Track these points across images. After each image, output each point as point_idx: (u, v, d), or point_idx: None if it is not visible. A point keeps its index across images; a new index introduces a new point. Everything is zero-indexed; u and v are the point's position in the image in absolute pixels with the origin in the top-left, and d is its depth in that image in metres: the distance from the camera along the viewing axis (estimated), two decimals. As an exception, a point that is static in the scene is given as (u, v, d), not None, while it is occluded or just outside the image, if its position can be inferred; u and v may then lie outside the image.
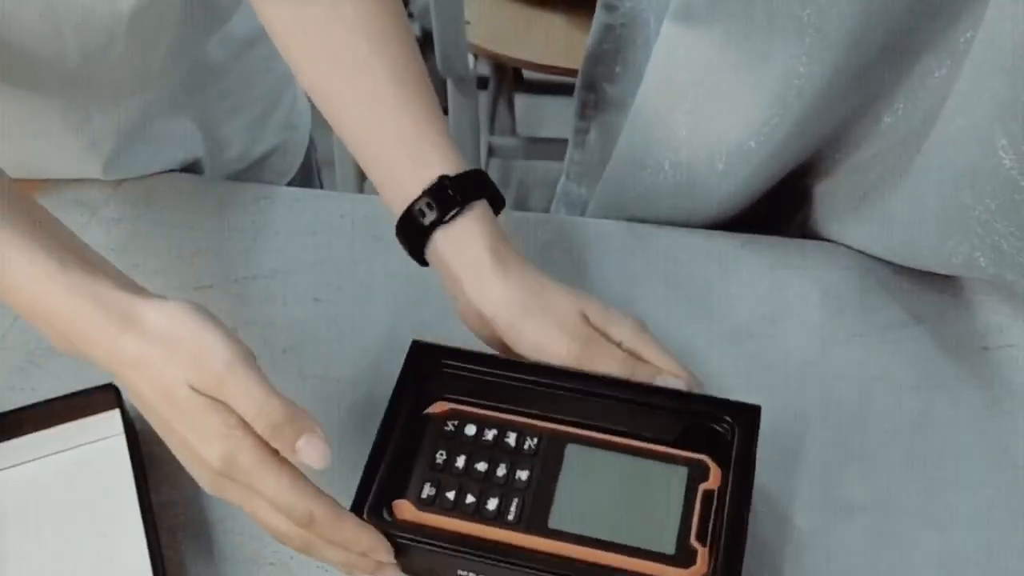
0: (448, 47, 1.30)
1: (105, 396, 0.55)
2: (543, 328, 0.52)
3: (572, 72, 0.79)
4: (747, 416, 0.51)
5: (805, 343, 0.63)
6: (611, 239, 0.71)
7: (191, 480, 0.54)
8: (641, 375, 0.52)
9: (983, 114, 0.49)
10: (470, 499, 0.49)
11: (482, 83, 1.88)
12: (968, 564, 0.52)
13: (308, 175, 0.89)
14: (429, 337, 0.63)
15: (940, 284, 0.65)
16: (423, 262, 0.57)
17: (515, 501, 0.48)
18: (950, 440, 0.57)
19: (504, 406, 0.52)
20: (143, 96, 0.69)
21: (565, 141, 0.83)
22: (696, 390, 0.52)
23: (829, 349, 0.63)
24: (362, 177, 1.88)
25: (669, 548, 0.46)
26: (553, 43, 1.56)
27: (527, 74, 2.08)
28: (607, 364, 0.52)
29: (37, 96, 0.65)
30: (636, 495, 0.49)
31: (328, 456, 0.45)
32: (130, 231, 0.70)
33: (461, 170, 0.54)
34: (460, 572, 0.48)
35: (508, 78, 1.85)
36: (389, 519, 0.48)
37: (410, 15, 1.82)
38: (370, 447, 0.53)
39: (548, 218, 0.74)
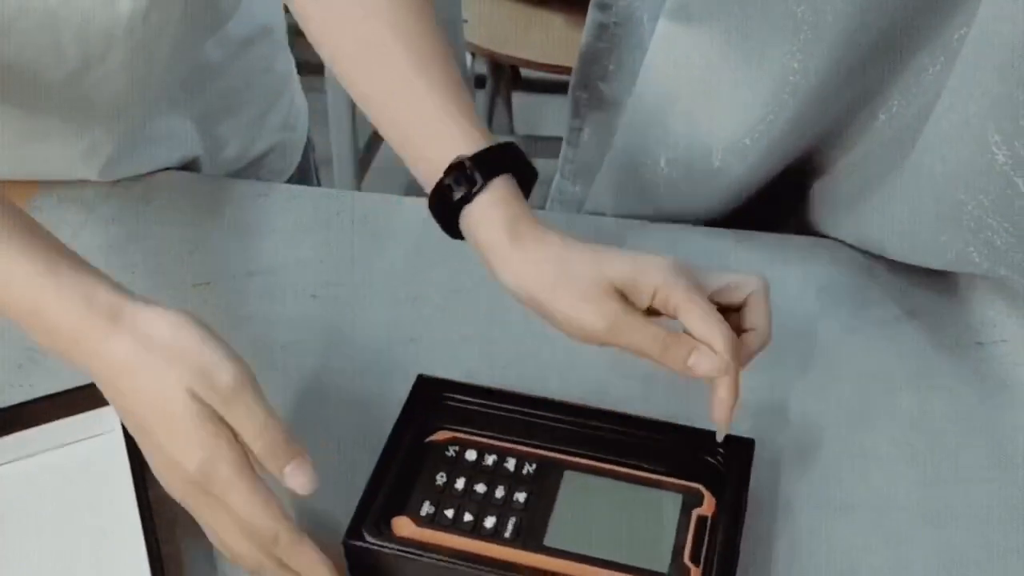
0: (445, 46, 1.29)
1: (97, 392, 0.55)
2: (565, 305, 0.51)
3: (569, 71, 0.80)
4: (741, 448, 0.52)
5: (801, 339, 0.63)
6: (606, 236, 0.71)
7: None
8: (674, 355, 0.49)
9: (976, 110, 0.49)
10: (468, 517, 0.50)
11: (480, 82, 1.89)
12: (967, 561, 0.52)
13: (306, 175, 0.89)
14: (424, 334, 0.64)
15: (935, 280, 0.66)
16: (457, 236, 0.56)
17: (512, 520, 0.49)
18: (946, 436, 0.58)
19: (504, 436, 0.53)
20: (143, 99, 0.69)
21: (562, 140, 0.83)
22: (727, 374, 0.50)
23: (825, 345, 0.63)
24: (360, 176, 1.89)
25: (663, 567, 0.47)
26: (551, 42, 1.57)
27: (525, 73, 2.09)
28: (639, 342, 0.50)
29: (37, 103, 0.65)
30: (631, 518, 0.50)
31: (314, 484, 0.47)
32: (127, 229, 0.70)
33: (482, 147, 0.53)
34: None
35: (506, 77, 1.85)
36: (387, 534, 0.49)
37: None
38: (365, 443, 0.53)
39: (543, 215, 0.74)
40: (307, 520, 0.53)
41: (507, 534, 0.49)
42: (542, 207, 0.90)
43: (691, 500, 0.50)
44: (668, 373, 0.56)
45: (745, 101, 0.63)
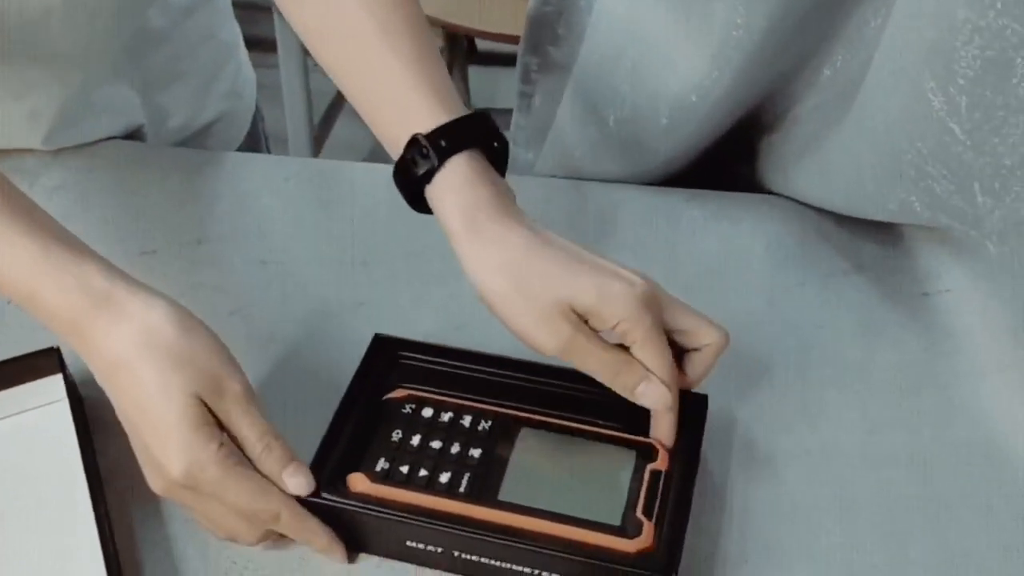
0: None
1: (47, 360, 0.54)
2: (517, 322, 0.49)
3: (525, 39, 0.79)
4: (695, 405, 0.52)
5: (750, 293, 0.64)
6: (558, 196, 0.71)
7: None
8: (623, 382, 0.49)
9: (912, 58, 0.49)
10: (423, 473, 0.49)
11: (435, 55, 1.88)
12: (909, 502, 0.53)
13: (255, 145, 0.89)
14: (375, 298, 0.63)
15: (880, 233, 0.67)
16: (423, 210, 0.55)
17: (467, 475, 0.49)
18: (891, 383, 0.59)
19: (460, 394, 0.53)
20: (84, 65, 0.68)
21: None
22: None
23: (773, 299, 0.63)
24: (315, 154, 1.87)
25: (615, 520, 0.47)
26: (506, 12, 1.56)
27: (481, 46, 2.08)
28: (590, 365, 0.49)
29: None
30: (585, 473, 0.50)
31: (312, 485, 0.48)
32: (71, 198, 0.69)
33: (443, 121, 0.51)
34: (408, 543, 0.49)
35: (461, 49, 1.84)
36: (343, 491, 0.49)
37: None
38: (317, 408, 0.53)
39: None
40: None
41: (462, 489, 0.49)
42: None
43: (645, 455, 0.50)
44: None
45: (690, 57, 0.63)
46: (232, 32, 0.82)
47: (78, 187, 0.70)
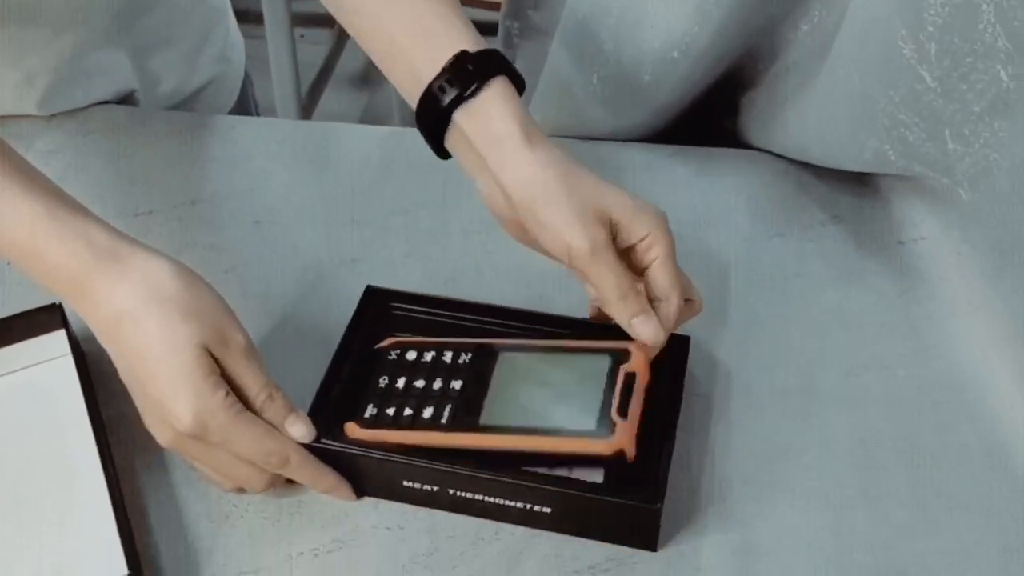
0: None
1: (50, 316, 0.56)
2: (557, 216, 0.50)
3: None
4: (677, 346, 0.54)
5: (730, 244, 0.66)
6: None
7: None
8: (626, 307, 0.49)
9: (883, 7, 0.51)
10: (407, 412, 0.51)
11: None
12: (883, 439, 0.55)
13: (245, 110, 0.90)
14: (366, 255, 0.65)
15: (857, 185, 0.68)
16: (443, 154, 0.55)
17: (448, 407, 0.51)
18: (865, 327, 0.61)
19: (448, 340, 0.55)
20: (77, 30, 0.69)
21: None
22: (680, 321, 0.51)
23: (752, 249, 0.65)
24: (306, 114, 1.87)
25: (590, 424, 0.48)
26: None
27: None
28: (606, 278, 0.49)
29: None
30: (562, 385, 0.51)
31: (313, 432, 0.50)
32: (66, 162, 0.70)
33: (480, 48, 0.52)
34: (404, 483, 0.51)
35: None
36: (339, 437, 0.51)
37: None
38: (312, 360, 0.55)
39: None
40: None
41: (444, 420, 0.50)
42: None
43: (619, 358, 0.51)
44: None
45: (671, 14, 0.64)
46: None
47: (73, 151, 0.71)
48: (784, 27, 0.65)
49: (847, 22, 0.56)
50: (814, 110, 0.62)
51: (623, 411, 0.49)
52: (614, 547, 0.50)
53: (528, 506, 0.49)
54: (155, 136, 0.73)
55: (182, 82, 0.80)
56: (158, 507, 0.52)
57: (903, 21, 0.50)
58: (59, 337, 0.56)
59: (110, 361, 0.50)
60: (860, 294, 0.63)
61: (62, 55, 0.69)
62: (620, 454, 0.48)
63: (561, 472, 0.50)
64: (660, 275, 0.51)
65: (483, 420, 0.50)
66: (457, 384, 0.52)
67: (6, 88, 0.69)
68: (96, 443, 0.52)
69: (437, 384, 0.52)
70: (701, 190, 0.69)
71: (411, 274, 0.64)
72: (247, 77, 0.89)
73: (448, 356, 0.53)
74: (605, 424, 0.48)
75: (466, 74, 0.51)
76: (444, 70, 0.51)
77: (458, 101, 0.51)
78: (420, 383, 0.52)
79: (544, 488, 0.49)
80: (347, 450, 0.50)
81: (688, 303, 0.52)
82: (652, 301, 0.51)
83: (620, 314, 0.50)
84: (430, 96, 0.52)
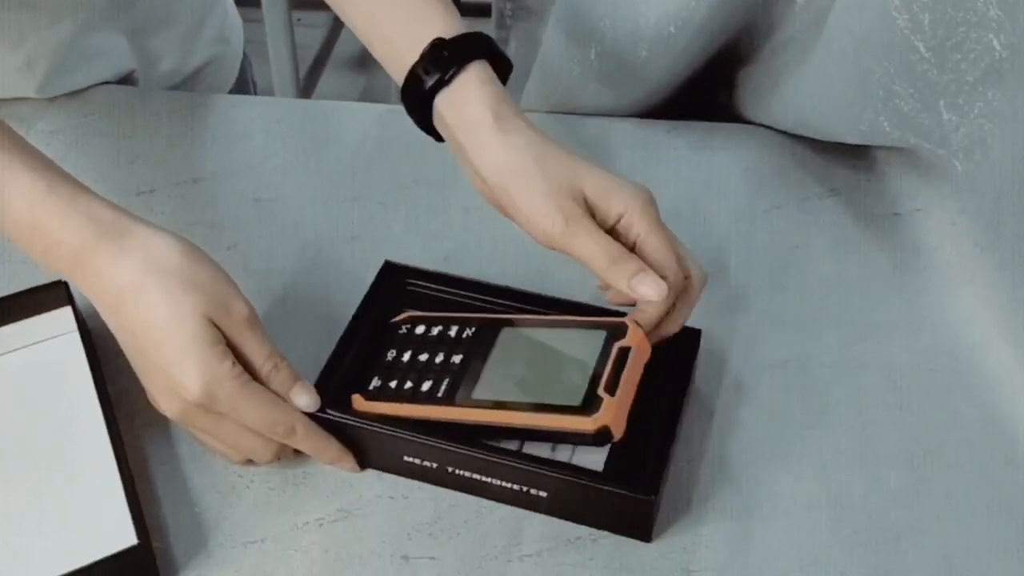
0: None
1: (56, 293, 0.56)
2: (530, 200, 0.50)
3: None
4: (687, 338, 0.54)
5: (727, 217, 0.66)
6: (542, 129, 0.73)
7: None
8: (620, 270, 0.49)
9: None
10: (408, 385, 0.52)
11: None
12: (878, 405, 0.56)
13: (244, 91, 0.90)
14: (366, 232, 0.66)
15: (853, 158, 0.69)
16: (436, 136, 0.56)
17: (446, 381, 0.51)
18: (862, 298, 0.61)
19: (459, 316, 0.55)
20: (76, 13, 0.69)
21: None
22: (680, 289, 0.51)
23: (751, 221, 0.66)
24: (304, 97, 1.87)
25: (576, 400, 0.48)
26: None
27: (464, -3, 2.07)
28: (590, 249, 0.49)
29: None
30: (556, 360, 0.51)
31: (318, 402, 0.50)
32: (67, 142, 0.70)
33: (458, 32, 0.53)
34: (406, 458, 0.52)
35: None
36: (345, 408, 0.51)
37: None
38: (314, 335, 0.56)
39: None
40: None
41: (440, 394, 0.50)
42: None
43: (614, 333, 0.50)
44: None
45: (667, -10, 0.65)
46: None
47: (74, 132, 0.71)
48: (780, 1, 0.66)
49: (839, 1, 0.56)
50: (810, 83, 0.63)
51: (611, 388, 0.48)
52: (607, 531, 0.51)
53: (525, 489, 0.50)
54: (155, 116, 0.73)
55: (180, 63, 0.80)
56: (165, 479, 0.53)
57: (897, -9, 0.50)
58: (65, 314, 0.57)
59: (115, 337, 0.51)
60: (856, 265, 0.63)
61: (61, 38, 0.69)
62: (604, 431, 0.47)
63: (566, 453, 0.51)
64: (646, 251, 0.50)
65: (476, 394, 0.50)
66: (457, 358, 0.52)
67: (7, 72, 0.70)
68: (103, 417, 0.52)
69: (439, 358, 0.52)
70: (699, 165, 0.70)
71: (411, 250, 0.64)
72: (246, 58, 0.89)
73: (453, 331, 0.53)
74: (590, 400, 0.47)
75: (442, 60, 0.52)
76: (423, 56, 0.53)
77: (438, 86, 0.52)
78: (424, 357, 0.53)
79: (540, 472, 0.49)
80: (350, 422, 0.51)
81: (687, 280, 0.52)
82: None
83: (617, 278, 0.49)
84: (414, 79, 0.53)
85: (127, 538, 0.47)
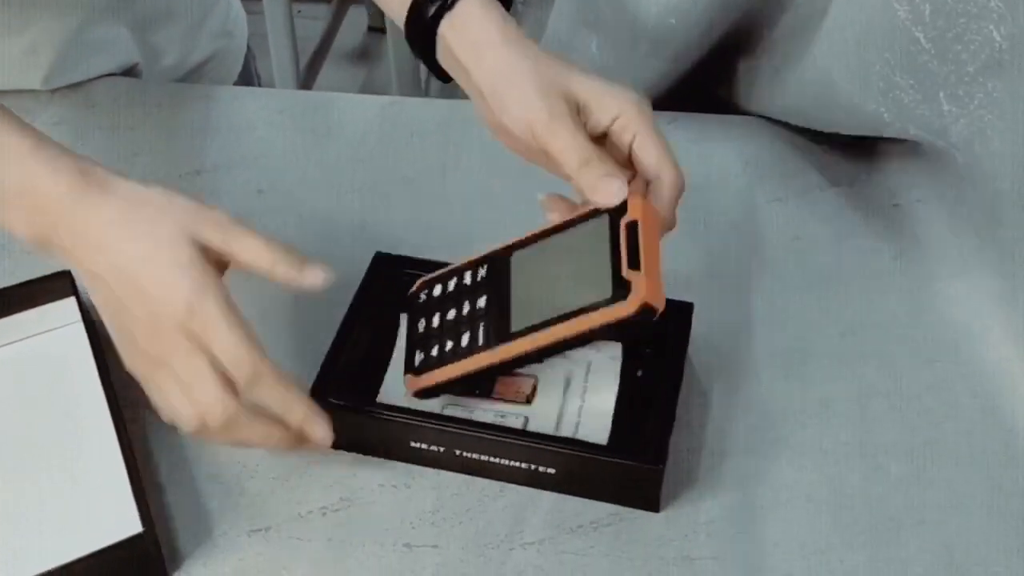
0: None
1: (60, 284, 0.57)
2: (519, 96, 0.49)
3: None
4: (680, 313, 0.55)
5: (730, 208, 0.67)
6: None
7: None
8: (591, 172, 0.48)
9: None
10: (449, 345, 0.51)
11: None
12: (877, 394, 0.56)
13: (248, 84, 0.90)
14: (370, 222, 0.66)
15: (854, 150, 0.69)
16: (440, 74, 0.54)
17: (481, 326, 0.50)
18: (861, 288, 0.62)
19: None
20: (80, 4, 0.69)
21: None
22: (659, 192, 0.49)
23: (752, 213, 0.66)
24: (305, 89, 1.87)
25: (607, 292, 0.46)
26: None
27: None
28: (566, 145, 0.48)
29: None
30: (573, 262, 0.49)
31: (331, 278, 0.49)
32: (71, 132, 0.71)
33: None
34: (412, 444, 0.52)
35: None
36: (349, 396, 0.52)
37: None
38: (320, 325, 0.56)
39: (483, 106, 0.76)
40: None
41: (481, 342, 0.50)
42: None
43: (617, 213, 0.48)
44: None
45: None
46: None
47: (77, 123, 0.71)
48: (781, -7, 0.66)
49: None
50: (811, 75, 0.63)
51: (634, 263, 0.46)
52: (616, 504, 0.51)
53: (533, 467, 0.51)
54: (157, 107, 0.73)
55: (183, 56, 0.80)
56: (169, 468, 0.53)
57: (898, -17, 0.50)
58: (69, 304, 0.57)
59: (97, 298, 0.50)
60: (856, 256, 0.63)
61: (66, 31, 0.70)
62: (647, 308, 0.45)
63: (570, 428, 0.52)
64: (643, 152, 0.49)
65: (514, 328, 0.49)
66: (481, 301, 0.51)
67: (12, 63, 0.70)
68: (108, 406, 0.53)
69: (465, 309, 0.51)
70: (700, 156, 0.70)
71: (414, 240, 0.64)
72: (250, 51, 0.89)
73: (468, 278, 0.53)
74: (620, 285, 0.46)
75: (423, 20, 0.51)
76: None
77: (441, 12, 0.51)
78: (452, 314, 0.52)
79: (548, 449, 0.50)
80: (355, 409, 0.51)
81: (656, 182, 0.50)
82: (649, 185, 0.49)
83: (584, 181, 0.48)
84: (416, 10, 0.52)
85: (132, 526, 0.47)
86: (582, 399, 0.54)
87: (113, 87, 0.74)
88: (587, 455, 0.50)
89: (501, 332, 0.49)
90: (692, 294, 0.56)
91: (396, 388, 0.55)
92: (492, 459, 0.51)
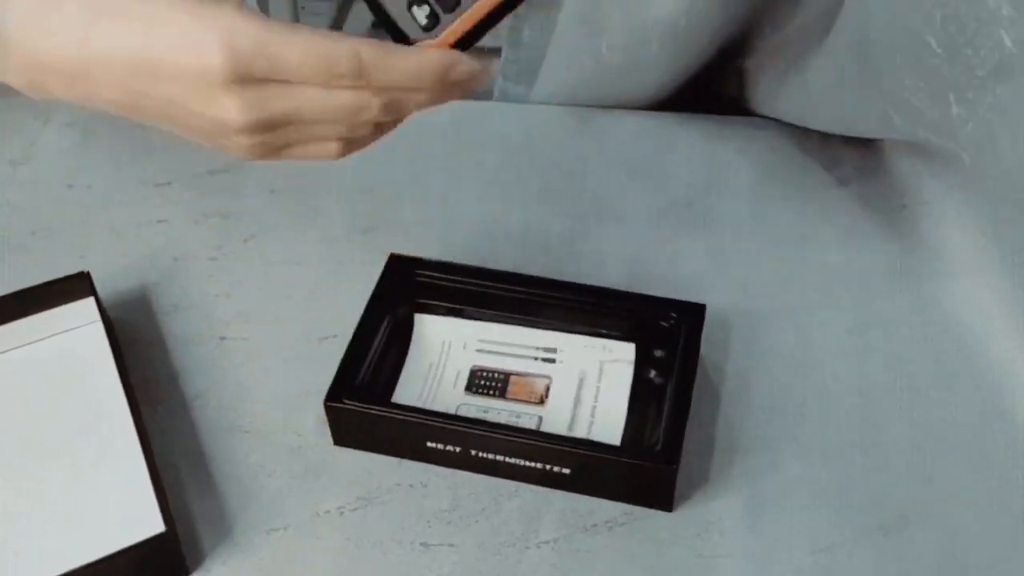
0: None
1: (79, 284, 0.57)
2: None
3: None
4: (692, 313, 0.55)
5: (737, 208, 0.67)
6: (554, 123, 0.74)
7: (166, 361, 0.58)
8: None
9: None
10: None
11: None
12: (884, 390, 0.57)
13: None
14: (381, 223, 0.66)
15: (861, 150, 0.70)
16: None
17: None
18: (869, 286, 0.62)
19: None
20: None
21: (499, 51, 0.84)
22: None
23: (760, 212, 0.67)
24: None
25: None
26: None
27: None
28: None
29: None
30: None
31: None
32: (85, 132, 0.71)
33: None
34: (429, 444, 0.53)
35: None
36: (363, 397, 0.52)
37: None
38: (334, 325, 0.58)
39: (493, 105, 0.77)
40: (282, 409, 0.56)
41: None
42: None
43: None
44: (619, 251, 0.59)
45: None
46: None
47: (91, 123, 0.72)
48: (787, -5, 0.67)
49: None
50: (821, 77, 0.64)
51: None
52: (629, 504, 0.52)
53: (548, 467, 0.51)
54: (170, 107, 0.74)
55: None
56: (189, 467, 0.54)
57: (909, -12, 0.51)
58: (88, 304, 0.58)
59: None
60: (864, 255, 0.64)
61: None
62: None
63: (583, 429, 0.52)
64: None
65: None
66: None
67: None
68: (128, 406, 0.53)
69: None
70: (709, 156, 0.71)
71: (426, 241, 0.65)
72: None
73: None
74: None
75: None
76: None
77: None
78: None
79: (563, 449, 0.51)
80: (374, 411, 0.52)
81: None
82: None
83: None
84: None
85: (154, 526, 0.48)
86: (595, 400, 0.55)
87: (125, 87, 0.75)
88: (601, 455, 0.51)
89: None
90: (701, 293, 0.57)
91: (411, 389, 0.55)
92: (507, 459, 0.52)
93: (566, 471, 0.51)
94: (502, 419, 0.53)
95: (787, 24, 0.68)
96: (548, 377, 0.55)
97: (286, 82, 0.40)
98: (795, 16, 0.67)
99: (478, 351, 0.57)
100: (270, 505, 0.52)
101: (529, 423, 0.53)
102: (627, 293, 0.56)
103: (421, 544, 0.51)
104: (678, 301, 0.56)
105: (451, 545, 0.51)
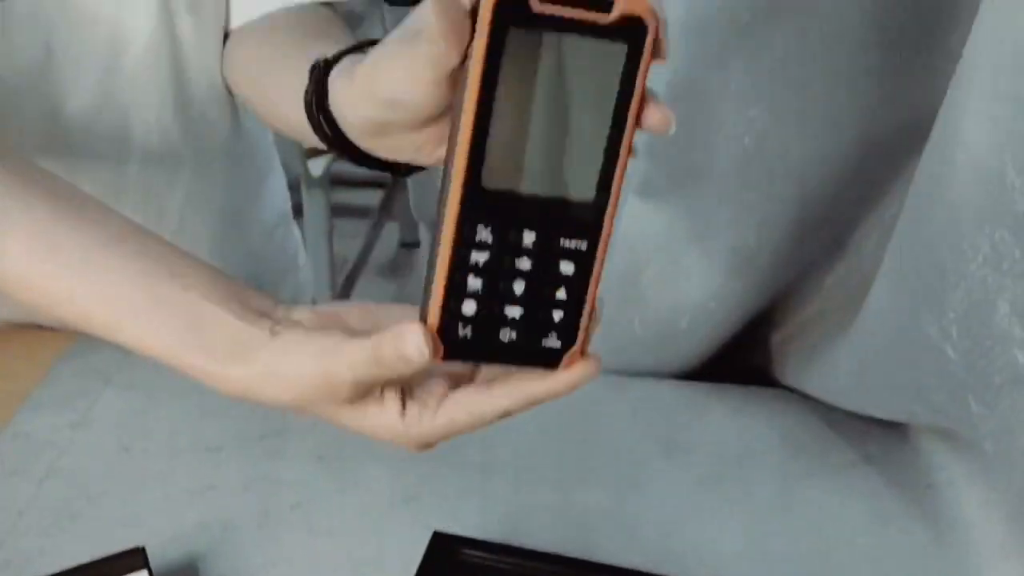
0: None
1: (132, 559, 0.59)
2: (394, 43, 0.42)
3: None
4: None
5: (768, 484, 0.69)
6: (586, 390, 0.76)
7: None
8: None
9: (908, 298, 0.56)
10: None
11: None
12: None
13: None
14: (423, 493, 0.68)
15: (888, 427, 0.72)
16: (351, 151, 0.50)
17: None
18: (899, 570, 0.63)
19: None
20: None
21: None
22: None
23: (788, 487, 0.69)
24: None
25: None
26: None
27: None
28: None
29: None
30: None
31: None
32: (146, 395, 0.75)
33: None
34: None
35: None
36: None
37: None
38: None
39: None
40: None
41: None
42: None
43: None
44: (655, 528, 0.61)
45: (706, 270, 0.70)
46: (294, 242, 0.89)
47: (151, 385, 0.75)
48: (811, 280, 0.72)
49: (873, 299, 0.61)
50: (844, 364, 0.67)
51: None
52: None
53: None
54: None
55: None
56: None
57: (927, 308, 0.55)
58: (141, 578, 0.59)
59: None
60: (892, 537, 0.65)
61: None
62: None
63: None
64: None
65: None
66: None
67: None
68: None
69: None
70: (739, 428, 0.73)
71: (465, 513, 0.67)
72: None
73: None
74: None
75: (321, 66, 0.50)
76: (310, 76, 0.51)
77: (325, 72, 0.50)
78: None
79: None
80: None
81: None
82: None
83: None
84: (307, 99, 0.51)
85: None
86: None
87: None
88: None
89: None
90: (727, 566, 0.57)
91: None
92: None
93: None
94: None
95: (809, 307, 0.73)
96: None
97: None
98: (815, 300, 0.72)
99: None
100: None
101: None
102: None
103: None
104: None
105: None
